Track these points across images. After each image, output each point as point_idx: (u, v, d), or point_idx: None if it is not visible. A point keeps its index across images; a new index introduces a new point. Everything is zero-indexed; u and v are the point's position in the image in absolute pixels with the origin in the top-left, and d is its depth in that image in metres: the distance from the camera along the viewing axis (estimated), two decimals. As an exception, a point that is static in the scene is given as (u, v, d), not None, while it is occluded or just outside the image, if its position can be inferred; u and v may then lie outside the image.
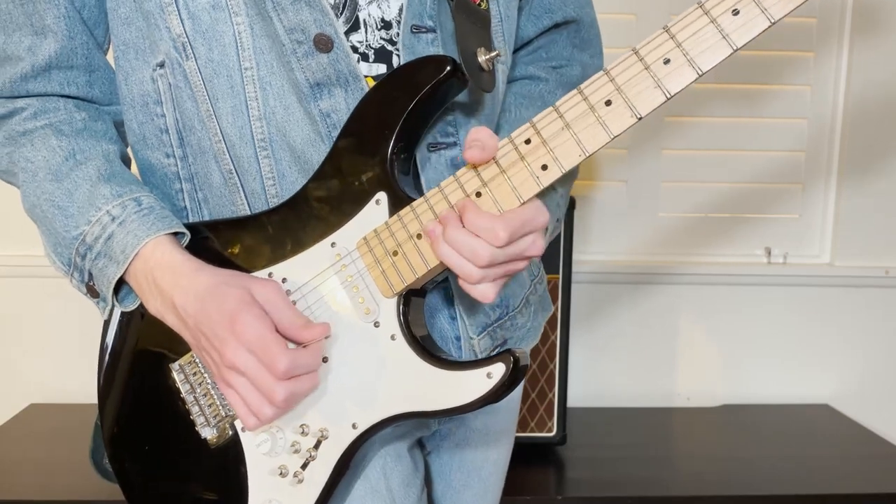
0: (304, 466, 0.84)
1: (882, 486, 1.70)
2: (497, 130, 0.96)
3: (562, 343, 1.77)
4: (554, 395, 1.78)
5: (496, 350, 0.96)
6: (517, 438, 1.77)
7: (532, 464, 1.78)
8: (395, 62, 0.86)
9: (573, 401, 1.90)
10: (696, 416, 2.10)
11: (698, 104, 2.06)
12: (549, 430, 1.79)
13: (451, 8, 0.87)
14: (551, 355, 1.77)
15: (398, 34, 0.86)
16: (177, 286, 0.82)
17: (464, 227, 0.78)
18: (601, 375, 2.13)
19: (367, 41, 0.85)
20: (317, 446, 0.84)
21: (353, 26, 0.85)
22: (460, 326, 0.93)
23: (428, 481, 1.06)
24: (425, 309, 0.90)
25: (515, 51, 1.03)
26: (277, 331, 0.79)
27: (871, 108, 2.05)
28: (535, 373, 1.77)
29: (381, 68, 0.86)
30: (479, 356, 0.94)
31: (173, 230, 0.85)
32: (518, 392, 1.19)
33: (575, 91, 0.76)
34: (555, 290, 1.75)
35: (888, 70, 2.04)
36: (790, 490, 1.68)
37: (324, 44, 0.83)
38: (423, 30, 0.86)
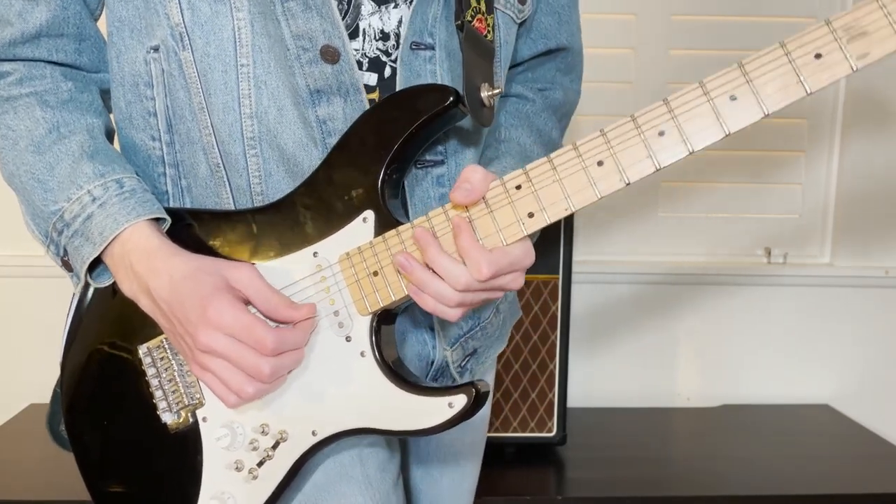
0: (259, 464, 0.85)
1: (882, 486, 1.70)
2: (485, 148, 0.97)
3: (562, 343, 1.77)
4: (554, 395, 1.78)
5: (466, 360, 0.98)
6: (517, 439, 1.80)
7: (532, 464, 1.78)
8: (388, 73, 0.86)
9: (573, 401, 1.90)
10: (696, 416, 2.10)
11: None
12: (549, 430, 1.79)
13: (460, 37, 0.87)
14: (551, 355, 1.77)
15: (394, 46, 0.86)
16: (151, 270, 0.81)
17: (455, 248, 0.79)
18: (601, 375, 2.13)
19: (363, 50, 0.85)
20: (275, 447, 0.85)
21: (353, 34, 0.85)
22: (437, 338, 0.94)
23: (405, 467, 1.07)
24: (408, 318, 0.92)
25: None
26: (263, 313, 0.80)
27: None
28: (535, 373, 1.77)
29: (373, 78, 0.86)
30: (452, 367, 0.96)
31: (154, 216, 0.84)
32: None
33: (570, 146, 0.78)
34: (555, 290, 1.75)
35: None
36: (790, 490, 1.68)
37: (330, 55, 0.83)
38: (423, 47, 0.86)
